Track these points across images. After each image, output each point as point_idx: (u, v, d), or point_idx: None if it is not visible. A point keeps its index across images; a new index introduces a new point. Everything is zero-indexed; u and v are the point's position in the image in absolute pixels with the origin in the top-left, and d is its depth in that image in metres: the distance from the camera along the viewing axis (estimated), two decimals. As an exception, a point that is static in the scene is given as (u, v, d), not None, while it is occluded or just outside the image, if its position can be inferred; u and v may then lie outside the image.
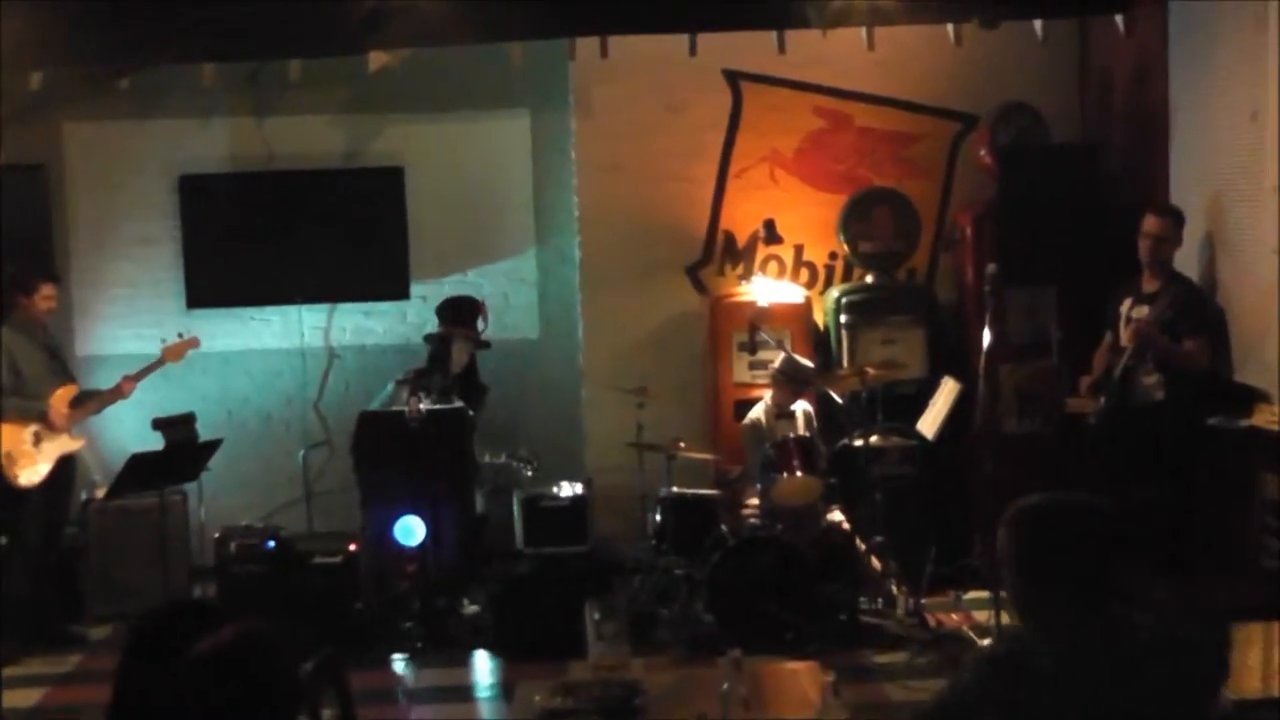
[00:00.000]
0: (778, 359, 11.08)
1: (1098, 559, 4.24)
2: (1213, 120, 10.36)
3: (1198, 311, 9.81)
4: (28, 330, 10.89)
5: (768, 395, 11.04)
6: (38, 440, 10.69)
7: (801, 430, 10.78)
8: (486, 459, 11.60)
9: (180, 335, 11.38)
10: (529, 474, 11.70)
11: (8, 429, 10.57)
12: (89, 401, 11.03)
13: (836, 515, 10.63)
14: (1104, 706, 4.13)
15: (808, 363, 11.27)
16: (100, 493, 11.35)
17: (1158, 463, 9.63)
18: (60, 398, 10.82)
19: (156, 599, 10.98)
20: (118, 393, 11.11)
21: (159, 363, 11.20)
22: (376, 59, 11.29)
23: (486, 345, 11.80)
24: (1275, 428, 9.33)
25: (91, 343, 12.41)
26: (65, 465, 10.94)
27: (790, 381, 10.85)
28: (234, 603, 10.89)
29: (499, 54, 11.63)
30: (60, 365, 11.14)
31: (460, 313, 11.73)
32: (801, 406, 10.92)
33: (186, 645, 4.15)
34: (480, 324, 11.76)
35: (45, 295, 10.92)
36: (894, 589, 10.74)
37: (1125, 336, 9.83)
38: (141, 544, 11.32)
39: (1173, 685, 4.23)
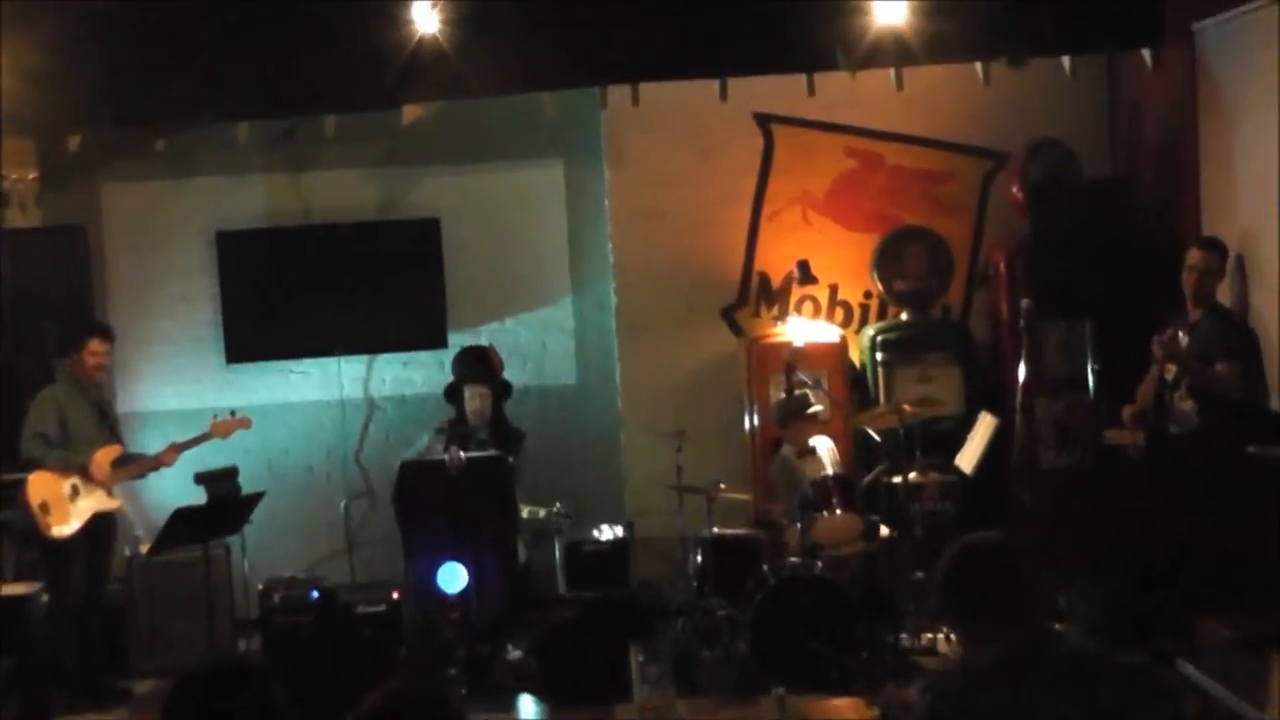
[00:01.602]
0: (779, 400, 11.20)
1: (1010, 592, 4.59)
2: (1242, 153, 10.32)
3: (1232, 339, 9.78)
4: (78, 387, 10.91)
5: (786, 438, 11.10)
6: (75, 494, 10.69)
7: (829, 467, 10.77)
8: (525, 514, 11.58)
9: (232, 413, 11.37)
10: (568, 519, 11.72)
11: (47, 478, 10.60)
12: (132, 464, 11.03)
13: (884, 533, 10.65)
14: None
15: (799, 394, 11.24)
16: (144, 548, 11.33)
17: (1196, 492, 9.60)
18: (104, 455, 10.83)
19: (201, 652, 11.04)
20: (160, 460, 11.09)
21: (205, 437, 11.17)
22: (410, 112, 11.36)
23: (508, 391, 11.81)
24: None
25: (133, 400, 12.45)
26: (103, 523, 10.90)
27: (792, 418, 10.95)
28: (279, 655, 10.94)
29: (531, 104, 11.69)
30: (109, 425, 11.14)
31: (468, 362, 11.78)
32: (825, 444, 10.93)
33: (222, 706, 4.20)
34: (492, 369, 11.77)
35: (93, 351, 10.91)
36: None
37: (1163, 364, 9.84)
38: (186, 598, 11.33)
39: (1107, 701, 4.45)
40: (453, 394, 11.73)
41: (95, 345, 10.93)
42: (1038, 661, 4.53)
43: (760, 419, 11.98)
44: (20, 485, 10.81)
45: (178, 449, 11.07)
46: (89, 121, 11.12)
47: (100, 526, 10.87)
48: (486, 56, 10.60)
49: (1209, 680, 6.31)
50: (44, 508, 10.53)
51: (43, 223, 12.68)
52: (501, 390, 11.73)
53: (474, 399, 11.54)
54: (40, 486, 10.55)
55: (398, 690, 4.03)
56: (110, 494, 10.91)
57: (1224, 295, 10.12)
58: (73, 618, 10.73)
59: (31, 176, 12.68)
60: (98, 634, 11.06)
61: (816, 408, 11.11)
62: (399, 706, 4.00)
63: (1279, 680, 6.50)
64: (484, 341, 12.16)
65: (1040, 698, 4.43)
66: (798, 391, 11.24)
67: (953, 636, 10.58)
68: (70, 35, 10.36)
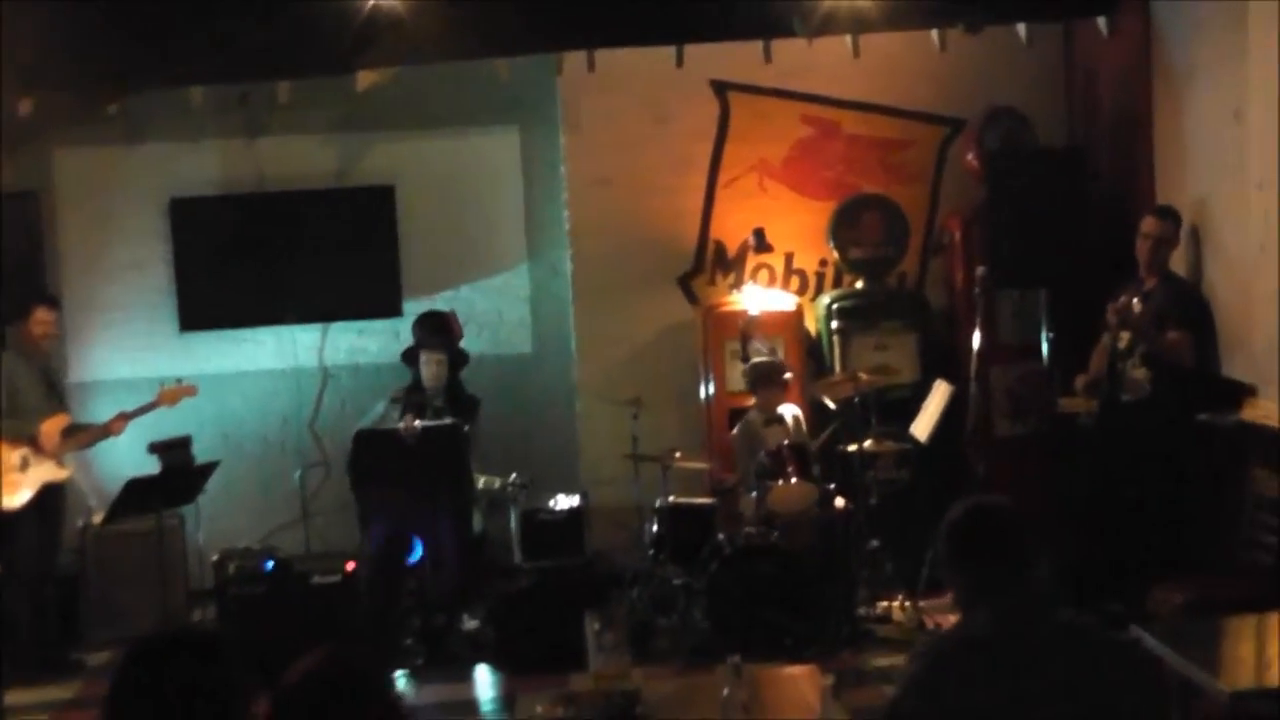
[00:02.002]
0: (749, 365, 11.19)
1: (1013, 557, 4.67)
2: (1196, 120, 10.41)
3: (1184, 308, 9.86)
4: (26, 356, 10.95)
5: (752, 403, 11.08)
6: (24, 465, 10.71)
7: (793, 436, 10.81)
8: (481, 484, 11.60)
9: (179, 381, 11.42)
10: (514, 490, 11.75)
11: None
12: (80, 434, 11.07)
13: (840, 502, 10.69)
14: (1032, 689, 4.45)
15: (775, 360, 11.34)
16: (97, 518, 11.38)
17: (1148, 460, 9.68)
18: (52, 425, 10.85)
19: (155, 623, 11.07)
20: (108, 430, 11.14)
21: (153, 405, 11.20)
22: (365, 78, 11.34)
23: (465, 359, 11.83)
24: (1265, 423, 9.42)
25: (85, 368, 12.44)
26: (52, 493, 10.95)
27: (764, 382, 10.90)
28: (234, 625, 10.97)
29: (486, 70, 11.71)
30: (56, 394, 11.17)
31: (427, 328, 11.78)
32: (791, 411, 10.93)
33: (175, 673, 4.22)
34: (451, 335, 11.81)
35: (40, 320, 10.96)
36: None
37: (1116, 332, 9.90)
38: (139, 568, 11.37)
39: (1113, 681, 4.55)
40: (410, 358, 11.73)
41: (42, 314, 10.96)
42: (1032, 631, 4.63)
43: (716, 387, 12.01)
44: None
45: (126, 418, 11.12)
46: (42, 85, 11.10)
47: (50, 497, 10.90)
48: (442, 22, 10.56)
49: (1161, 645, 6.36)
50: None
51: (-4, 189, 12.71)
52: (458, 358, 11.74)
53: (430, 364, 11.51)
54: None
55: (322, 661, 4.05)
56: (60, 464, 10.93)
57: (1178, 264, 10.21)
58: (24, 589, 10.75)
59: (-18, 142, 12.72)
60: (50, 605, 11.09)
61: (788, 375, 11.16)
62: (323, 678, 4.03)
63: (1230, 645, 6.56)
64: (441, 308, 12.14)
65: (1032, 666, 4.52)
66: (770, 358, 11.31)
67: (908, 605, 10.70)
68: (26, 2, 10.36)
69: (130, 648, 4.32)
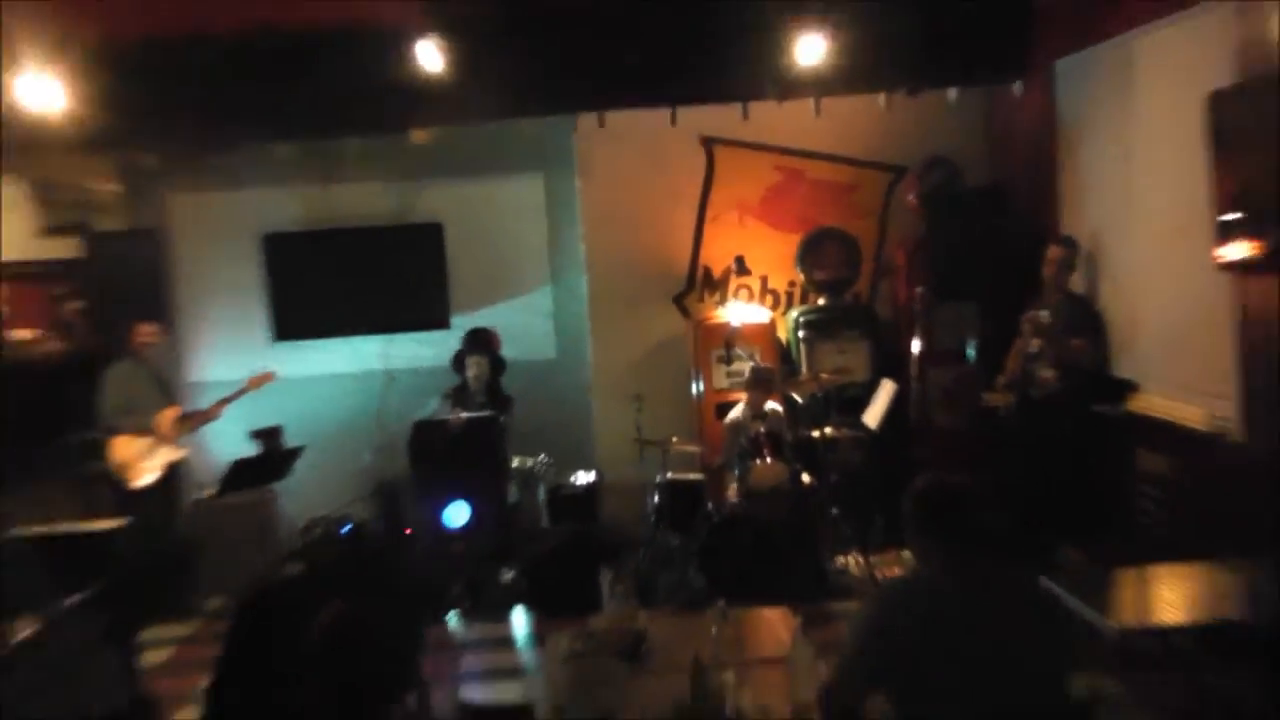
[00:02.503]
0: (749, 369, 11.19)
1: (965, 523, 4.87)
2: (1091, 166, 10.44)
3: (1082, 319, 9.90)
4: (137, 361, 11.02)
5: (744, 400, 11.04)
6: (150, 451, 10.86)
7: (770, 426, 10.79)
8: (515, 464, 11.67)
9: (264, 369, 11.52)
10: (542, 470, 11.82)
11: (124, 442, 10.73)
12: (189, 419, 11.18)
13: (806, 478, 10.70)
14: (975, 631, 4.62)
15: (771, 368, 11.40)
16: (209, 492, 11.48)
17: (1055, 443, 9.75)
18: (166, 415, 10.96)
19: (256, 576, 11.16)
20: (211, 414, 11.24)
21: (243, 390, 11.29)
22: (418, 135, 11.48)
23: (503, 365, 11.85)
24: (1148, 413, 9.50)
25: (197, 370, 12.50)
26: (174, 470, 11.10)
27: (759, 385, 10.86)
28: (316, 578, 11.05)
29: (516, 128, 11.79)
30: (165, 389, 11.23)
31: (473, 340, 11.82)
32: (771, 407, 10.89)
33: (280, 615, 4.33)
34: (492, 346, 11.85)
35: (144, 333, 11.03)
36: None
37: (1028, 340, 9.96)
38: (243, 532, 11.45)
39: (1032, 620, 4.77)
40: (458, 364, 11.80)
41: (145, 328, 11.05)
42: (972, 578, 4.80)
43: (705, 385, 12.04)
44: (99, 445, 10.95)
45: (224, 403, 11.24)
46: (160, 144, 11.23)
47: (172, 473, 11.01)
48: (480, 89, 10.67)
49: (1066, 594, 6.42)
50: (123, 466, 10.66)
51: (124, 226, 12.71)
52: (497, 363, 11.78)
53: (473, 367, 11.59)
54: (119, 449, 10.68)
55: (339, 615, 4.13)
56: (177, 446, 11.04)
57: (1078, 283, 10.25)
58: (152, 548, 10.86)
59: (115, 188, 12.75)
60: (173, 559, 11.16)
61: (778, 381, 11.20)
62: (342, 630, 4.11)
63: (1119, 592, 6.62)
64: (480, 323, 12.19)
65: (952, 596, 4.72)
66: (755, 363, 11.38)
67: (861, 561, 10.76)
68: (146, 76, 10.44)
69: (243, 595, 4.45)
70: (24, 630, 5.90)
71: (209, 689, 4.50)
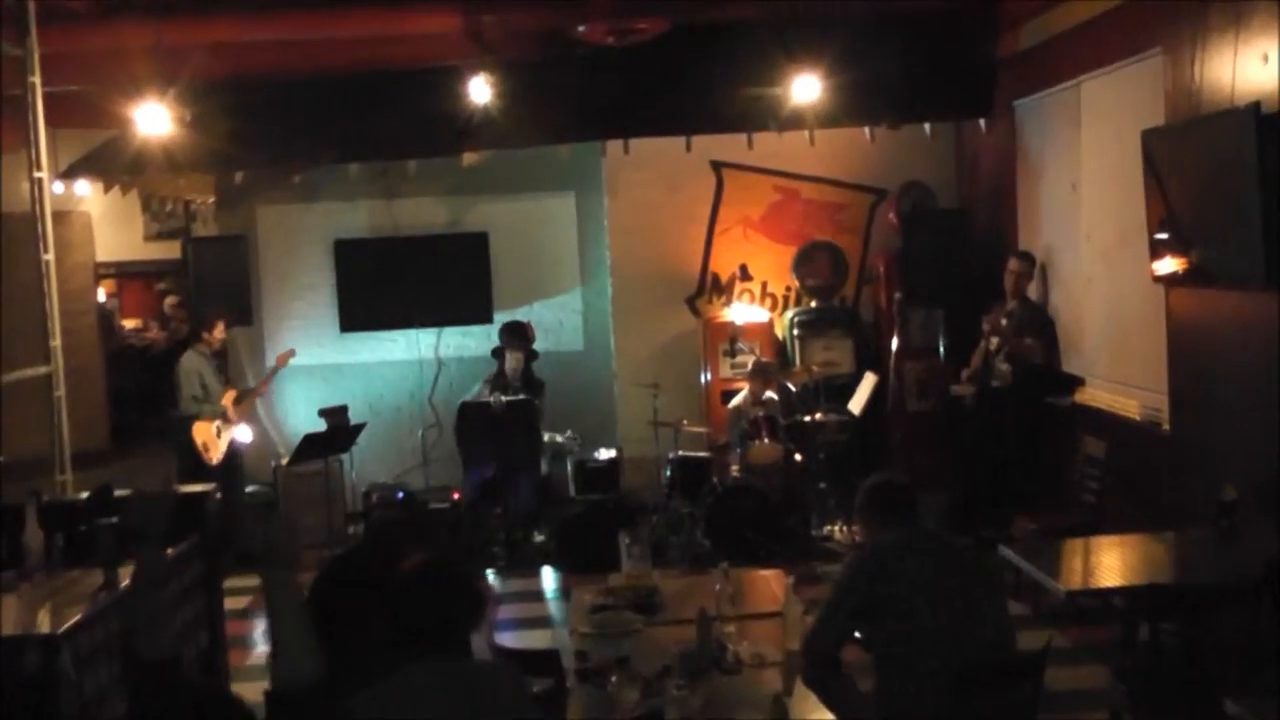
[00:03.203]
0: (751, 362, 11.19)
1: (903, 505, 5.02)
2: (1045, 190, 10.45)
3: (1036, 322, 9.92)
4: (206, 355, 11.08)
5: (746, 388, 11.02)
6: (219, 433, 10.92)
7: (768, 411, 10.75)
8: (547, 439, 11.66)
9: (285, 350, 11.61)
10: (577, 445, 11.86)
11: (203, 426, 10.80)
12: (245, 398, 11.28)
13: (798, 456, 10.70)
14: (921, 579, 4.72)
15: (769, 361, 11.41)
16: (284, 461, 11.54)
17: (1011, 429, 9.76)
18: (229, 398, 11.03)
19: (324, 534, 11.24)
20: (257, 391, 11.52)
21: (275, 370, 11.47)
22: (468, 158, 11.52)
23: (535, 355, 11.82)
24: (1091, 404, 9.51)
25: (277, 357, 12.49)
26: (234, 445, 11.15)
27: (759, 375, 10.87)
28: (375, 536, 11.08)
29: (553, 153, 11.77)
30: (224, 376, 11.36)
31: (511, 333, 11.78)
32: (769, 395, 10.85)
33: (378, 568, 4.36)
34: (527, 339, 11.84)
35: (219, 330, 11.14)
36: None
37: (988, 338, 9.97)
38: (313, 496, 11.47)
39: (966, 565, 4.88)
40: (498, 353, 11.81)
41: (220, 328, 11.13)
42: (915, 542, 4.89)
43: (712, 375, 12.05)
44: (175, 424, 11.00)
45: (266, 381, 11.56)
46: (249, 163, 11.28)
47: (233, 448, 11.11)
48: (522, 119, 10.74)
49: (1020, 559, 6.45)
50: (204, 446, 10.74)
51: (218, 232, 12.83)
52: (531, 354, 11.80)
53: (512, 358, 11.58)
54: (200, 433, 10.77)
55: (422, 561, 4.18)
56: (238, 424, 11.14)
57: (1033, 291, 10.26)
58: (226, 511, 10.91)
59: (211, 200, 12.82)
60: (247, 519, 11.24)
61: (775, 372, 11.17)
62: (428, 570, 4.17)
63: (1067, 558, 6.63)
64: (521, 319, 12.21)
65: (916, 558, 4.80)
66: (756, 356, 11.38)
67: (845, 529, 10.78)
68: (240, 107, 10.52)
69: (334, 557, 4.48)
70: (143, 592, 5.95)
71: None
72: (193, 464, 10.70)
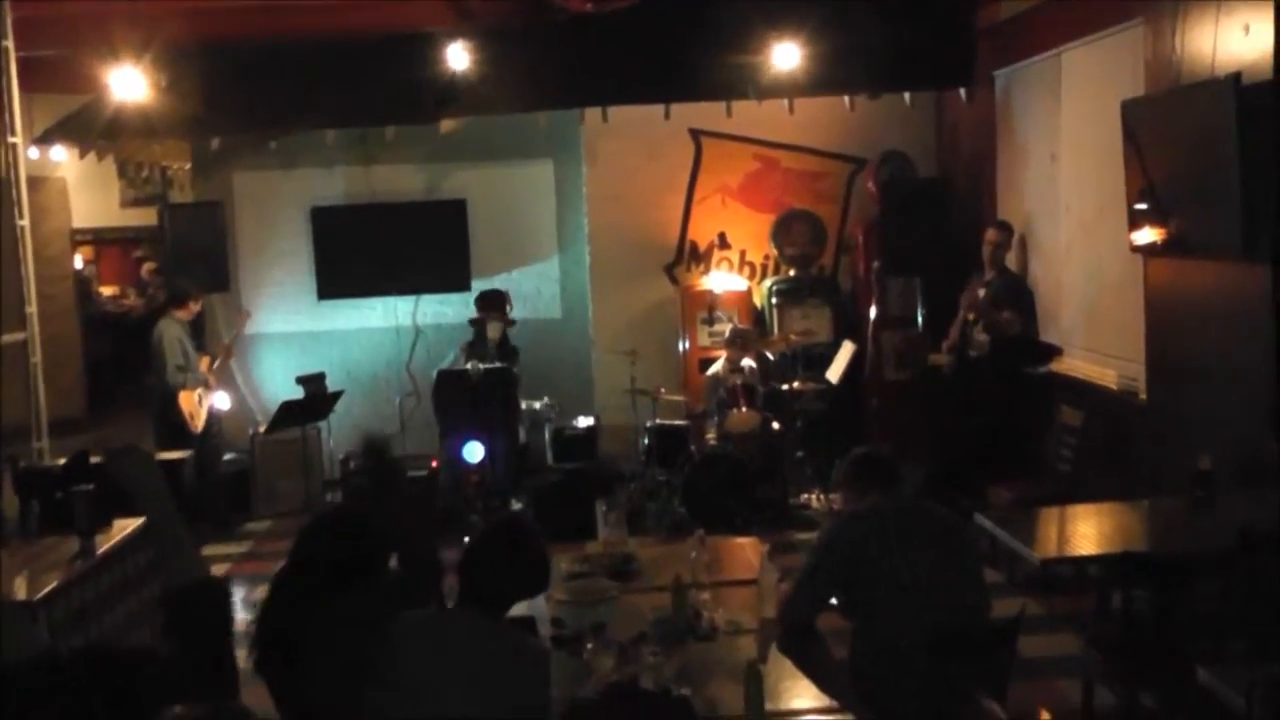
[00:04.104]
0: (728, 330, 11.24)
1: (884, 475, 5.12)
2: (1024, 161, 10.47)
3: (1014, 292, 9.91)
4: (182, 325, 11.05)
5: (723, 356, 11.05)
6: (201, 400, 10.93)
7: (746, 379, 10.79)
8: (524, 406, 11.68)
9: (242, 310, 11.90)
10: (553, 415, 11.87)
11: (189, 395, 10.81)
12: (217, 364, 11.35)
13: (775, 425, 10.72)
14: (906, 551, 4.78)
15: (747, 329, 11.41)
16: (262, 429, 11.54)
17: (988, 398, 9.78)
18: (205, 365, 11.11)
19: (302, 501, 11.26)
20: (229, 354, 11.64)
21: (236, 334, 11.71)
22: (446, 125, 11.50)
23: (512, 323, 11.80)
24: (1068, 374, 9.55)
25: (255, 325, 12.39)
26: (214, 411, 11.20)
27: (737, 344, 10.87)
28: (353, 502, 11.09)
29: (531, 120, 11.71)
30: (198, 345, 11.35)
31: (490, 301, 11.77)
32: (747, 363, 10.89)
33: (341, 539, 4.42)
34: (508, 308, 11.85)
35: (194, 305, 11.16)
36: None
37: (967, 309, 9.99)
38: (290, 463, 11.55)
39: (945, 532, 4.94)
40: (476, 322, 11.81)
41: (197, 302, 11.15)
42: (894, 509, 4.97)
43: (690, 343, 12.07)
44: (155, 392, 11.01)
45: (230, 343, 11.72)
46: (225, 129, 11.25)
47: (212, 415, 11.13)
48: (500, 86, 10.68)
49: (996, 527, 6.45)
50: (191, 415, 10.74)
51: (194, 199, 12.79)
52: (508, 322, 11.80)
53: (493, 328, 11.54)
54: (186, 402, 10.77)
55: (501, 521, 4.28)
56: (215, 389, 11.23)
57: (1012, 261, 10.27)
58: (206, 479, 10.92)
59: (187, 166, 12.80)
60: (225, 488, 11.25)
61: (754, 339, 11.22)
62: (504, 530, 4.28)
63: (1042, 527, 6.65)
64: (499, 287, 12.19)
65: (893, 525, 4.87)
66: (733, 324, 11.40)
67: (821, 497, 10.82)
68: (216, 72, 10.47)
69: (311, 519, 4.54)
70: (123, 531, 5.95)
71: (276, 583, 4.56)
72: (171, 433, 10.69)
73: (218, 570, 9.82)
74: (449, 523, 10.56)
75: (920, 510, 5.09)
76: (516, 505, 11.08)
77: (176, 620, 4.47)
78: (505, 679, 3.94)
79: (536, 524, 4.34)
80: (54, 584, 5.33)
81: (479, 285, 12.33)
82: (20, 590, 5.32)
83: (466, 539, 4.20)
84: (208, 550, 10.01)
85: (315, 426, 11.66)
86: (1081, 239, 9.40)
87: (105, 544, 5.93)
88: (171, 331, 10.90)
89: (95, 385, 14.09)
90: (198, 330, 11.61)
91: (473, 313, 11.89)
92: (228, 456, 11.74)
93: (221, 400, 11.30)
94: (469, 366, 11.05)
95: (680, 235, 12.55)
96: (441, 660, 3.95)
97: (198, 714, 3.58)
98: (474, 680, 3.91)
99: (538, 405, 11.78)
